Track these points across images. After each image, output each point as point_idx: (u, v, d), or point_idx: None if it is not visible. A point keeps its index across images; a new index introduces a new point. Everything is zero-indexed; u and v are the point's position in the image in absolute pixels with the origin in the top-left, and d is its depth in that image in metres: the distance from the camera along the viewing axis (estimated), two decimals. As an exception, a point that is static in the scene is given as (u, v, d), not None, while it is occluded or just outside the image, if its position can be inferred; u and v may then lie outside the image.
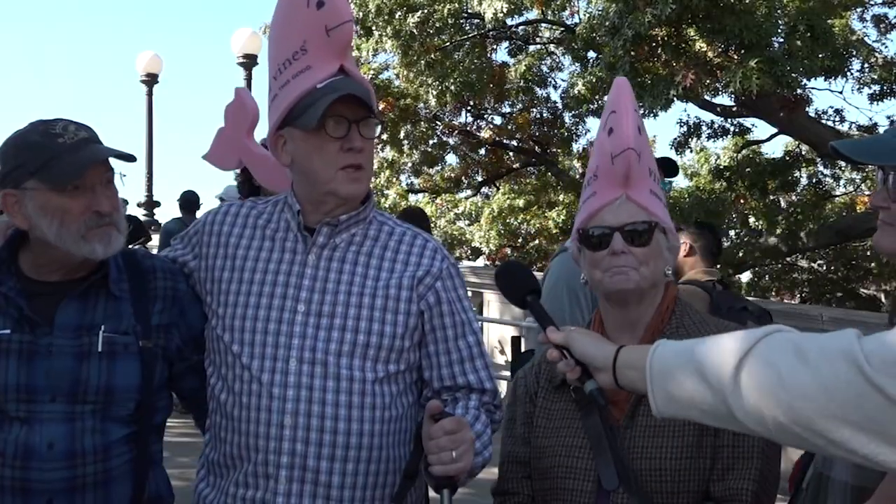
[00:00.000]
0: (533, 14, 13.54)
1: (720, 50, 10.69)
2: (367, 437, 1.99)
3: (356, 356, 2.00)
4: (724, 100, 12.84)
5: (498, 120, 16.54)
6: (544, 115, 16.08)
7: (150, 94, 15.52)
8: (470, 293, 9.79)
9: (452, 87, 12.64)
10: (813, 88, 12.38)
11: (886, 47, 14.74)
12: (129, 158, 2.02)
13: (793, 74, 9.88)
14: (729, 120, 14.26)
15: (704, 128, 14.11)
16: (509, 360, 10.22)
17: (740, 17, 9.83)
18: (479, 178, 17.74)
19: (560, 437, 1.98)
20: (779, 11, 10.28)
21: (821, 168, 16.04)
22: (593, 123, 15.77)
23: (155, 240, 9.69)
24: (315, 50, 2.03)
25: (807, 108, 12.30)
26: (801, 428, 1.28)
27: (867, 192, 15.53)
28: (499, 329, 10.31)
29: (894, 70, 12.54)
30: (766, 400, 1.31)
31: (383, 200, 16.06)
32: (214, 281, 2.11)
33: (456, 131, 16.20)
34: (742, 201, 15.45)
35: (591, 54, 12.08)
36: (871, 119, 13.83)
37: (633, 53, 10.16)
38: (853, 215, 14.88)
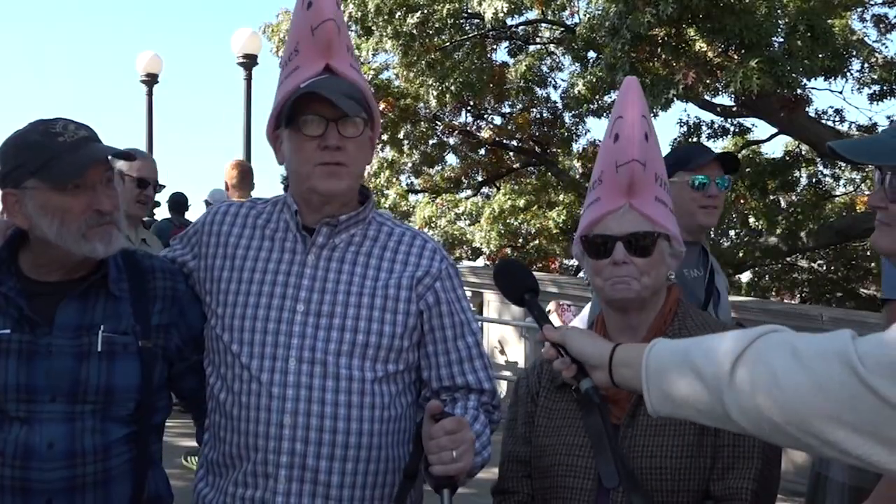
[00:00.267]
0: (533, 14, 13.53)
1: (720, 50, 10.69)
2: (366, 436, 1.99)
3: (355, 356, 2.00)
4: (724, 100, 12.85)
5: (498, 120, 16.54)
6: (544, 115, 16.07)
7: (150, 94, 15.51)
8: (470, 293, 9.80)
9: (453, 88, 12.63)
10: (813, 88, 12.38)
11: (886, 47, 14.76)
12: (129, 157, 2.03)
13: (793, 74, 9.88)
14: (729, 120, 14.26)
15: (704, 128, 14.12)
16: (509, 360, 10.23)
17: (740, 16, 9.83)
18: (480, 178, 17.73)
19: (561, 435, 1.99)
20: (779, 11, 10.27)
21: (821, 168, 16.04)
22: (593, 123, 15.84)
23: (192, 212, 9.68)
24: (304, 50, 2.10)
25: (807, 108, 12.30)
26: (796, 428, 1.28)
27: (867, 192, 15.53)
28: (499, 329, 10.32)
29: (894, 70, 12.53)
30: (760, 400, 1.31)
31: (383, 200, 16.05)
32: (214, 281, 2.11)
33: (456, 131, 16.19)
34: (742, 201, 15.44)
35: (592, 54, 12.08)
36: (870, 119, 13.84)
37: (633, 54, 10.15)
38: (853, 215, 14.87)
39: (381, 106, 13.45)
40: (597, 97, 12.34)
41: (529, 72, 14.91)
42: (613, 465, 1.80)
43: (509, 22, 13.37)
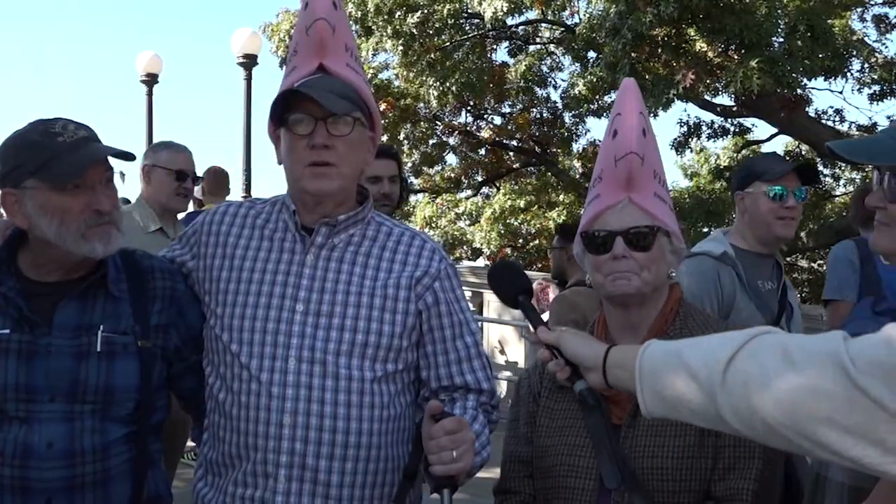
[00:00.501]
0: (533, 14, 13.53)
1: (720, 50, 10.69)
2: (365, 436, 1.99)
3: (355, 355, 2.00)
4: (724, 100, 12.86)
5: (498, 120, 16.55)
6: (544, 115, 16.08)
7: (150, 94, 15.48)
8: (470, 293, 9.80)
9: (453, 88, 12.63)
10: (813, 88, 12.40)
11: (886, 47, 14.76)
12: (129, 157, 2.03)
13: (793, 74, 9.88)
14: (729, 120, 14.26)
15: (704, 128, 14.12)
16: (509, 360, 10.23)
17: (740, 16, 9.84)
18: (480, 178, 17.74)
19: (563, 436, 1.98)
20: (779, 11, 10.28)
21: (821, 168, 16.04)
22: (593, 123, 15.84)
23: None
24: (301, 50, 2.13)
25: (807, 108, 12.30)
26: (788, 430, 1.28)
27: (867, 192, 15.46)
28: (498, 329, 10.32)
29: (894, 70, 12.54)
30: (753, 401, 1.31)
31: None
32: (213, 281, 2.12)
33: (456, 131, 16.20)
34: (742, 201, 15.42)
35: (592, 54, 12.09)
36: (870, 119, 13.85)
37: (633, 54, 10.16)
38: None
39: (381, 106, 13.45)
40: (597, 97, 12.35)
41: (529, 72, 14.91)
42: (614, 466, 1.80)
43: (509, 22, 13.38)
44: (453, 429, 1.84)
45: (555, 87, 15.69)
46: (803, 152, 15.20)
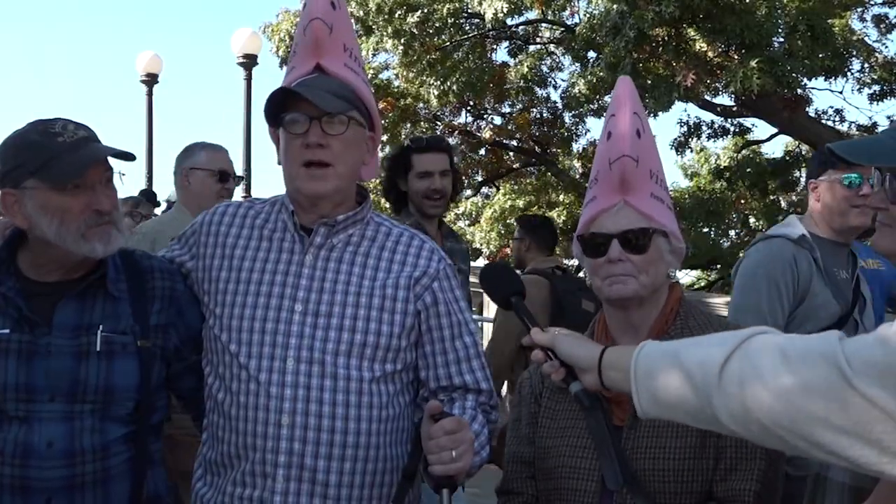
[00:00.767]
0: (533, 14, 13.52)
1: (721, 50, 10.69)
2: (364, 436, 1.99)
3: (353, 356, 2.00)
4: (725, 100, 12.85)
5: (498, 120, 16.53)
6: (544, 115, 16.07)
7: (150, 94, 15.47)
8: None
9: (454, 88, 12.63)
10: (813, 88, 12.40)
11: (886, 47, 14.74)
12: (129, 157, 2.03)
13: (793, 74, 9.88)
14: (729, 120, 14.26)
15: (704, 128, 14.13)
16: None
17: (741, 16, 9.84)
18: (479, 178, 17.73)
19: (564, 437, 1.98)
20: (779, 11, 10.28)
21: (821, 168, 16.00)
22: (593, 123, 15.79)
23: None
24: (299, 51, 2.15)
25: (807, 108, 12.30)
26: (784, 430, 1.28)
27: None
28: (499, 329, 10.28)
29: (894, 70, 12.54)
30: (748, 402, 1.31)
31: (383, 201, 16.03)
32: (212, 281, 2.12)
33: (456, 131, 16.18)
34: (742, 201, 15.46)
35: (592, 54, 12.08)
36: (870, 119, 13.85)
37: (634, 54, 10.15)
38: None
39: (381, 106, 13.45)
40: (597, 97, 12.34)
41: (530, 72, 14.90)
42: (616, 467, 1.80)
43: (509, 22, 13.37)
44: (453, 429, 1.84)
45: (555, 87, 15.70)
46: (803, 152, 15.20)
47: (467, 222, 17.22)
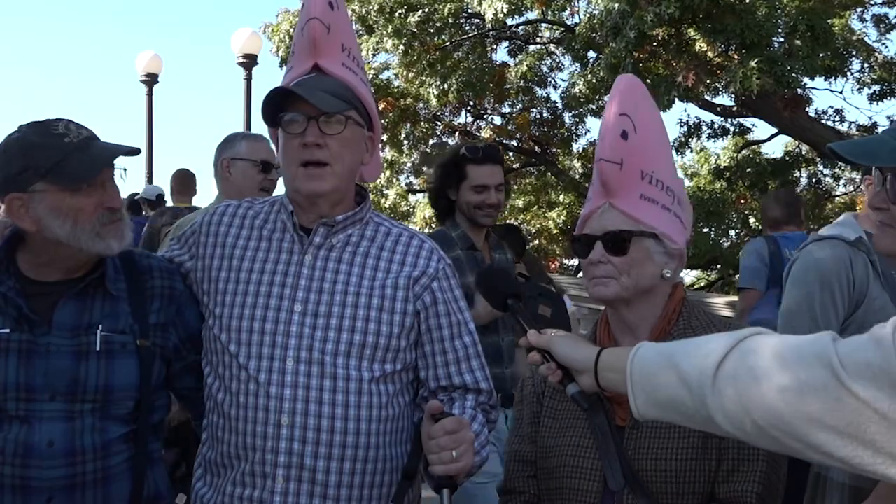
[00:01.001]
0: (533, 14, 13.53)
1: (721, 50, 10.69)
2: (363, 436, 1.99)
3: (352, 356, 2.00)
4: (725, 100, 12.86)
5: (498, 120, 16.54)
6: (544, 115, 16.07)
7: (150, 94, 15.48)
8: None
9: (454, 88, 12.63)
10: (813, 88, 12.40)
11: (886, 47, 14.77)
12: (135, 152, 2.05)
13: (793, 74, 9.88)
14: (729, 120, 14.27)
15: (704, 128, 14.13)
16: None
17: (741, 16, 9.83)
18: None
19: (567, 436, 1.98)
20: (779, 11, 10.28)
21: (821, 168, 16.05)
22: (593, 123, 15.78)
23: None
24: (298, 51, 2.16)
25: (807, 108, 12.31)
26: (779, 431, 1.28)
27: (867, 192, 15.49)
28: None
29: (894, 70, 12.55)
30: (743, 403, 1.31)
31: (383, 200, 16.05)
32: (211, 281, 2.11)
33: (456, 131, 16.19)
34: (742, 201, 15.45)
35: (592, 54, 12.09)
36: (870, 119, 13.86)
37: (635, 54, 10.16)
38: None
39: (381, 106, 13.45)
40: (597, 97, 12.34)
41: (530, 72, 14.91)
42: (618, 468, 1.80)
43: (509, 22, 13.37)
44: (453, 428, 1.84)
45: (555, 87, 15.71)
46: (803, 152, 15.20)
47: (467, 222, 17.17)
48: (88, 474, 1.95)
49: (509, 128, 16.36)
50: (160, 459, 2.16)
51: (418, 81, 13.39)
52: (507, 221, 12.35)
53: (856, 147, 1.72)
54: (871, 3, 13.54)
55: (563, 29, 13.84)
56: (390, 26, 12.30)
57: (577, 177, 16.14)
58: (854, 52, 11.85)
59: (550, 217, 15.66)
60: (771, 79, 9.54)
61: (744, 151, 15.45)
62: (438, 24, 12.44)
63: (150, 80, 15.31)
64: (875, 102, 13.13)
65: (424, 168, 15.29)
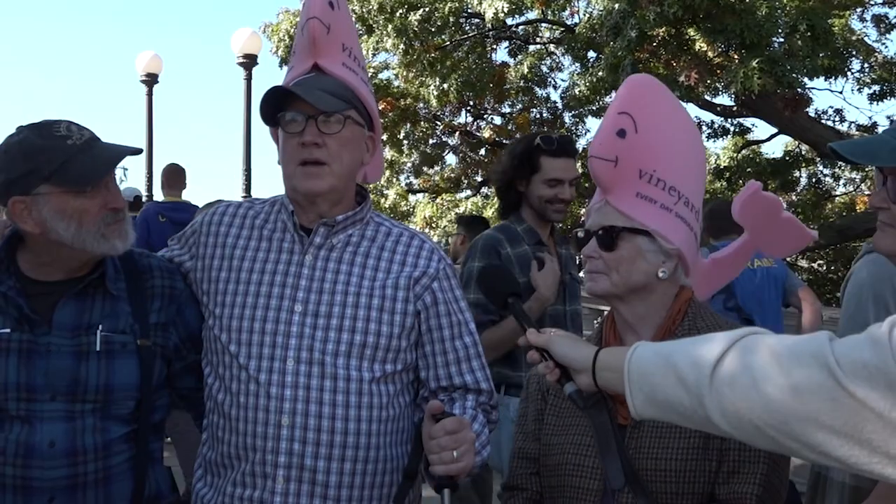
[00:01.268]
0: (533, 14, 13.53)
1: (721, 50, 10.70)
2: (364, 436, 1.99)
3: (353, 356, 2.00)
4: (725, 100, 12.86)
5: (498, 120, 16.54)
6: (544, 115, 16.07)
7: (150, 94, 15.48)
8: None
9: (454, 88, 12.63)
10: (813, 88, 12.39)
11: (886, 47, 14.77)
12: (138, 152, 2.06)
13: (793, 74, 9.88)
14: (729, 120, 14.27)
15: (704, 128, 14.13)
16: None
17: (741, 16, 9.84)
18: (480, 178, 17.72)
19: (569, 434, 1.98)
20: (779, 11, 10.28)
21: (821, 168, 16.05)
22: (593, 123, 15.78)
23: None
24: (298, 50, 2.16)
25: (807, 108, 12.31)
26: (776, 431, 1.28)
27: (867, 192, 15.53)
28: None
29: (894, 70, 12.55)
30: (740, 403, 1.31)
31: (383, 200, 16.05)
32: (211, 281, 2.11)
33: (456, 131, 16.19)
34: (742, 201, 15.41)
35: (592, 54, 12.09)
36: (870, 119, 13.86)
37: (635, 54, 10.16)
38: (853, 215, 14.88)
39: (381, 106, 13.45)
40: (597, 97, 12.35)
41: (530, 72, 14.91)
42: (619, 467, 1.80)
43: (509, 22, 13.38)
44: (454, 428, 1.84)
45: (555, 87, 15.71)
46: (803, 152, 15.20)
47: (467, 222, 17.18)
48: (90, 474, 1.95)
49: (509, 128, 16.35)
50: (161, 459, 2.16)
51: (418, 81, 13.39)
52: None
53: (856, 147, 1.72)
54: (871, 3, 13.54)
55: (563, 29, 13.84)
56: (390, 26, 12.30)
57: (577, 177, 16.13)
58: (854, 52, 11.85)
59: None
60: (771, 79, 9.54)
61: (744, 151, 15.46)
62: (439, 24, 12.44)
63: (150, 80, 15.31)
64: (875, 102, 13.14)
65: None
